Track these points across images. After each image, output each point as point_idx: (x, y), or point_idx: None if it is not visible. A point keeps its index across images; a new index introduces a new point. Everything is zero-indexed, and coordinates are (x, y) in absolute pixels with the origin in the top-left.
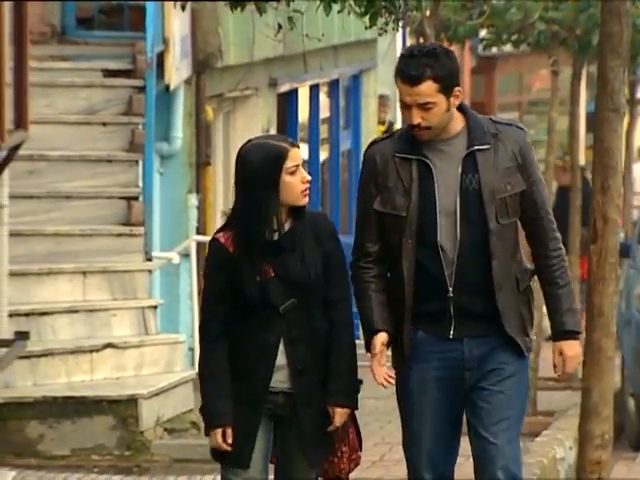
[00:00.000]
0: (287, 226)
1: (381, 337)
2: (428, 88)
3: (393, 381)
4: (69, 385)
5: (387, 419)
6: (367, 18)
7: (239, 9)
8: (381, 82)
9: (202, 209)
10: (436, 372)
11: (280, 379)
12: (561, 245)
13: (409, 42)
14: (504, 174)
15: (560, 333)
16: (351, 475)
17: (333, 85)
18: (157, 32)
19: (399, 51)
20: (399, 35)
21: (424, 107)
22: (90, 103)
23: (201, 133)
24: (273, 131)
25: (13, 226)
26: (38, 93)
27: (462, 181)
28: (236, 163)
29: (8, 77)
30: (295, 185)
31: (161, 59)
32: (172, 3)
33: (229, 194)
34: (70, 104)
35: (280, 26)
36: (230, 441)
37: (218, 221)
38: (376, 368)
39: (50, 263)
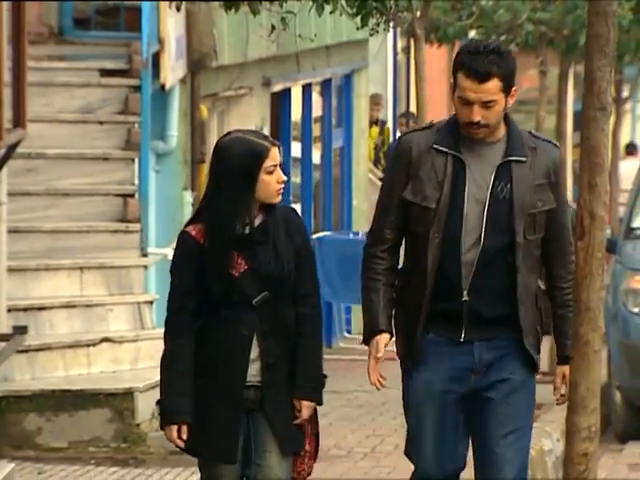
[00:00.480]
0: (259, 220)
1: (384, 339)
2: (494, 86)
3: (385, 383)
4: (67, 378)
5: (378, 411)
6: (359, 19)
7: (233, 10)
8: (372, 81)
9: (196, 206)
10: (444, 374)
11: (252, 373)
12: (573, 268)
13: (400, 42)
14: (537, 190)
15: (565, 357)
16: (345, 464)
17: (325, 84)
18: (153, 32)
19: (390, 51)
20: (390, 35)
21: (487, 105)
22: (87, 102)
23: (196, 131)
24: (267, 130)
25: (12, 223)
26: (36, 92)
27: (494, 187)
28: (213, 155)
29: (6, 76)
30: (271, 184)
31: (157, 59)
32: (167, 4)
33: None
34: (67, 103)
35: (273, 27)
36: (185, 437)
37: None
38: (373, 369)
39: (48, 259)
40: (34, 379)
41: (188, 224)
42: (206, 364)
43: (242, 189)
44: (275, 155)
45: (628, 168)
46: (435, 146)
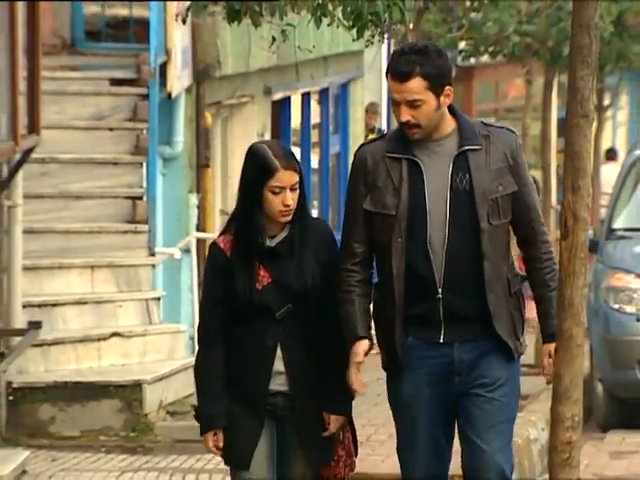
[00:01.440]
0: (285, 233)
1: (364, 345)
2: (417, 85)
3: (366, 388)
4: (78, 371)
5: (373, 402)
6: (354, 31)
7: (236, 23)
8: (368, 90)
9: (202, 208)
10: (427, 377)
11: (279, 382)
12: (552, 249)
13: None
14: (496, 175)
15: (550, 336)
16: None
17: (323, 93)
18: (160, 44)
19: (384, 61)
20: (384, 47)
21: (413, 105)
22: (98, 110)
23: (201, 137)
24: (267, 136)
25: (27, 224)
26: (49, 101)
27: (452, 180)
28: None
29: (22, 86)
30: (275, 204)
31: (164, 69)
32: (174, 17)
33: (227, 194)
34: (79, 111)
35: (274, 38)
36: (221, 444)
37: (217, 219)
38: (355, 376)
39: (61, 258)
40: (48, 371)
41: (220, 235)
42: (231, 374)
43: (250, 202)
44: (284, 178)
45: (609, 172)
46: (387, 154)
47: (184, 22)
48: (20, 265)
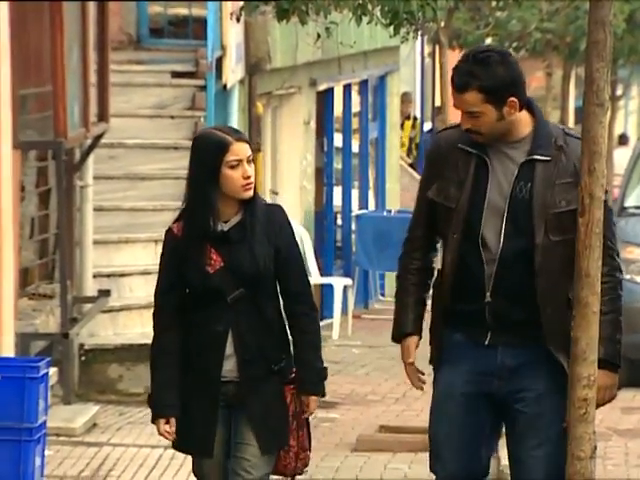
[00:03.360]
0: (238, 217)
1: (413, 342)
2: (472, 98)
3: (425, 383)
4: (143, 334)
5: None
6: (391, 28)
7: (285, 21)
8: (403, 82)
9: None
10: (465, 376)
11: (229, 368)
12: (616, 273)
13: (426, 48)
14: (561, 189)
15: (599, 361)
16: (380, 407)
17: (363, 84)
18: (216, 40)
19: (418, 55)
20: (418, 42)
21: (472, 115)
22: (160, 99)
23: (253, 125)
24: (313, 123)
25: (96, 202)
26: (117, 91)
27: (514, 188)
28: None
29: (92, 78)
30: (235, 179)
31: (219, 63)
32: (229, 16)
33: (276, 175)
34: (144, 100)
35: (319, 35)
36: (173, 430)
37: (267, 198)
38: (411, 375)
39: (127, 233)
40: (116, 334)
41: (175, 221)
42: (185, 359)
43: (206, 184)
44: (238, 150)
45: (620, 156)
46: (460, 145)
47: (238, 20)
48: (91, 239)
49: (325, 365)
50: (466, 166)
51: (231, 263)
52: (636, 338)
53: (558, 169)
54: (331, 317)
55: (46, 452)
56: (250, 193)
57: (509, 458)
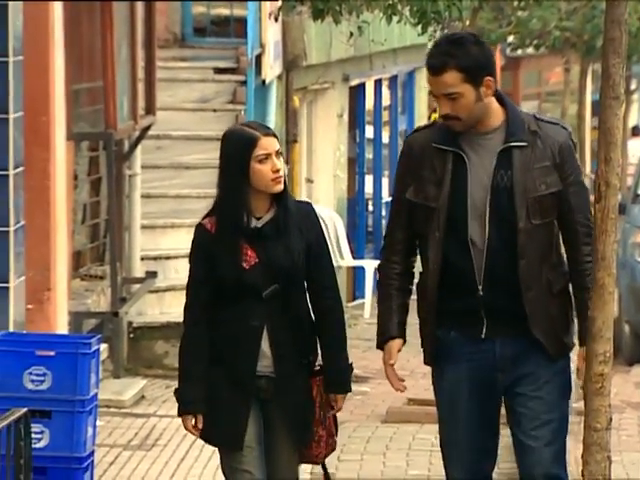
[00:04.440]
0: (271, 213)
1: (396, 345)
2: (451, 78)
3: (405, 388)
4: None
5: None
6: (419, 27)
7: (319, 20)
8: None
9: (291, 177)
10: (468, 373)
11: (264, 363)
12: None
13: None
14: (540, 173)
15: (585, 339)
16: (409, 382)
17: (393, 80)
18: (255, 38)
19: None
20: None
21: (450, 97)
22: (203, 94)
23: (290, 117)
24: (346, 117)
25: (144, 190)
26: (163, 86)
27: (494, 177)
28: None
29: (140, 74)
30: (264, 173)
31: (259, 60)
32: (267, 16)
33: (311, 165)
34: (188, 95)
35: (351, 33)
36: (200, 426)
37: (303, 186)
38: (391, 377)
39: (173, 218)
40: (162, 313)
41: (205, 217)
42: (218, 354)
43: (237, 179)
44: (267, 144)
45: (634, 146)
46: (434, 144)
47: (276, 20)
48: (139, 224)
49: (350, 361)
50: (442, 164)
51: (267, 259)
52: None
53: (535, 154)
54: (363, 297)
55: (97, 422)
56: (280, 187)
57: (513, 444)
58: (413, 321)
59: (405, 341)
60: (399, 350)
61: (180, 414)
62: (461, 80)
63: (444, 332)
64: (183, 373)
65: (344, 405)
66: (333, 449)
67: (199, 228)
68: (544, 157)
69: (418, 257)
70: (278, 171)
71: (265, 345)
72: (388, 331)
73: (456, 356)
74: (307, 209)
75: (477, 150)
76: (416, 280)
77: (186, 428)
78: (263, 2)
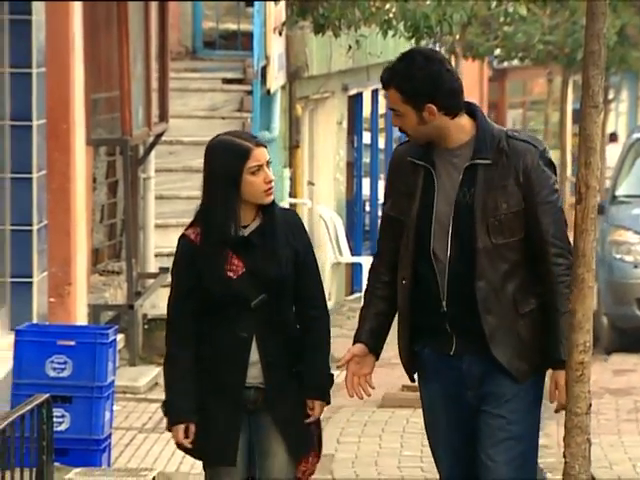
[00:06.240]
0: (257, 222)
1: (355, 348)
2: (393, 96)
3: (369, 392)
4: None
5: None
6: (413, 40)
7: (320, 34)
8: None
9: (293, 179)
10: (442, 390)
11: (253, 374)
12: (568, 272)
13: None
14: (503, 192)
15: (557, 362)
16: (402, 370)
17: None
18: (261, 51)
19: None
20: None
21: (395, 113)
22: (212, 103)
23: (293, 124)
24: (345, 124)
25: (157, 191)
26: (175, 95)
27: (459, 193)
28: (204, 157)
29: (154, 84)
30: (257, 184)
31: (264, 71)
32: (272, 30)
33: (313, 168)
34: (198, 103)
35: (350, 46)
36: (192, 438)
37: (305, 188)
38: (349, 378)
39: (185, 218)
40: None
41: (188, 227)
42: (206, 366)
43: (227, 190)
44: (259, 155)
45: (611, 151)
46: (409, 158)
47: (280, 34)
48: (153, 224)
49: (332, 372)
50: (415, 178)
51: (254, 268)
52: (626, 310)
53: (499, 172)
54: (360, 291)
55: (114, 407)
56: (271, 198)
57: (476, 459)
58: None
59: (376, 347)
60: (364, 355)
61: (171, 425)
62: (401, 100)
63: (420, 348)
64: (171, 388)
65: (342, 400)
66: (316, 464)
67: (183, 239)
68: (508, 175)
69: None
70: (270, 182)
71: (255, 356)
72: (357, 335)
73: (430, 372)
74: (293, 217)
75: (446, 166)
76: None
77: (177, 441)
78: (268, 17)
